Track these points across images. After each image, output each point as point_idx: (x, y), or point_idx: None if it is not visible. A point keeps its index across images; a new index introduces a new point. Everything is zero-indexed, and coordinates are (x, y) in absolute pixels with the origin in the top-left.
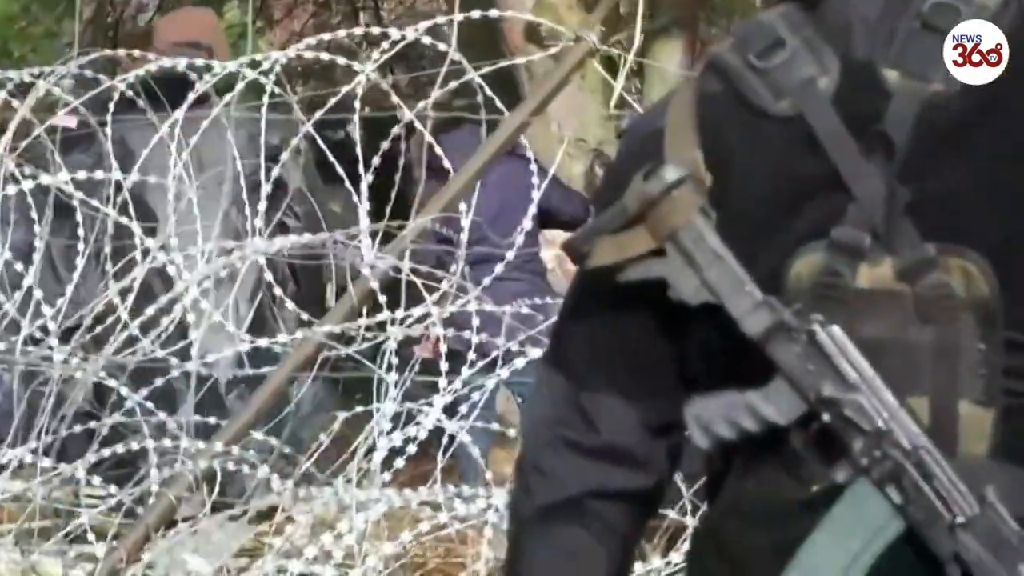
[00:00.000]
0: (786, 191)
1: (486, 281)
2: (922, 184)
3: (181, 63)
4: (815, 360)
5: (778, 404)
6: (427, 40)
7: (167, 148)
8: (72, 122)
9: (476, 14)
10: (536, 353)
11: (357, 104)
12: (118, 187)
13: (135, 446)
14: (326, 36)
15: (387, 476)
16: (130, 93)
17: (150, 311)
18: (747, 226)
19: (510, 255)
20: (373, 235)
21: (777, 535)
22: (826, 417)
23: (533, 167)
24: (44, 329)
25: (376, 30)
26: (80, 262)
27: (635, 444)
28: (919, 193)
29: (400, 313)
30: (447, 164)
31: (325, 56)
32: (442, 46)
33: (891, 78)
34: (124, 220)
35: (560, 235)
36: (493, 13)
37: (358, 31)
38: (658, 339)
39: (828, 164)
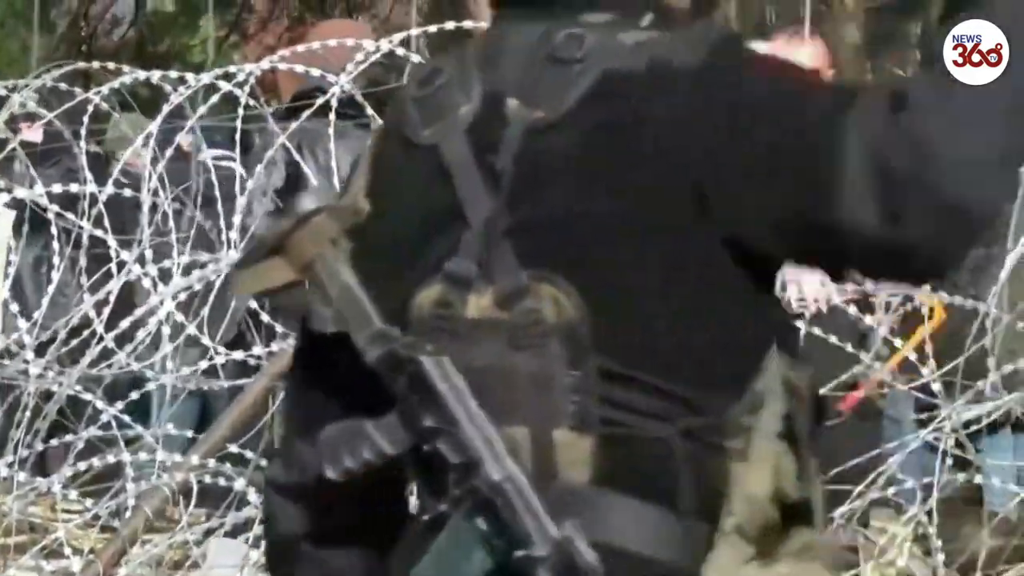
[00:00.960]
0: (422, 221)
1: None
2: (521, 211)
3: (155, 75)
4: (419, 391)
5: (391, 435)
6: (401, 51)
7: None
8: (38, 136)
9: (450, 25)
10: None
11: (332, 116)
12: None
13: (111, 459)
14: (300, 48)
15: None
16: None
17: (125, 324)
18: (389, 256)
19: None
20: None
21: (404, 561)
22: (427, 448)
23: None
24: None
25: (351, 42)
26: (56, 275)
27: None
28: (518, 220)
29: None
30: None
31: (299, 68)
32: (415, 57)
33: (511, 107)
34: (99, 232)
35: None
36: (467, 24)
37: (332, 43)
38: (322, 365)
39: (456, 194)
